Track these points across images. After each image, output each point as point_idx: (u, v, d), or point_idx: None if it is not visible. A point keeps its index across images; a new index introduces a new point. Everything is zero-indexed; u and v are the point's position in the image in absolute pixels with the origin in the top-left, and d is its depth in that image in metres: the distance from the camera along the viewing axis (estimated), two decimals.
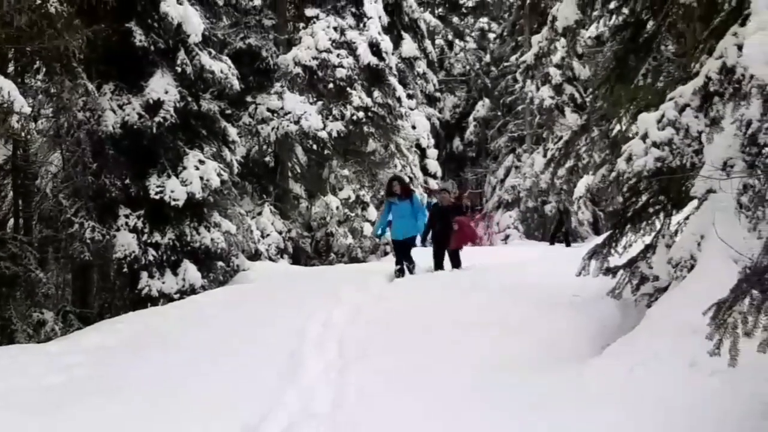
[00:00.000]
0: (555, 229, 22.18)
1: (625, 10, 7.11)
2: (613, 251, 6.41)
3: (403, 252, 10.73)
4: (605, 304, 6.87)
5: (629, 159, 4.87)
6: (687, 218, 5.57)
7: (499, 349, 5.93)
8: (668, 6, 6.37)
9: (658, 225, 5.98)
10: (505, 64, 29.75)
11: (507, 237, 25.31)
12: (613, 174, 5.10)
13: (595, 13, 7.38)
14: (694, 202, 5.36)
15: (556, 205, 22.54)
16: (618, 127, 7.43)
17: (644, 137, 4.76)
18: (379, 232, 11.36)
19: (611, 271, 6.39)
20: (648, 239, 6.17)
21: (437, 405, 4.73)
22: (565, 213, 21.81)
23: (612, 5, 7.29)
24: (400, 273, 10.53)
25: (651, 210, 6.00)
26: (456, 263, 11.07)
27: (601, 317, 6.74)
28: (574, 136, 8.33)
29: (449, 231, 10.74)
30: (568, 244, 20.98)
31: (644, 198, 5.98)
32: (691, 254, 4.96)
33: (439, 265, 11.04)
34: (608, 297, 6.66)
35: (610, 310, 6.80)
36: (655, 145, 4.65)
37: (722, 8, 5.72)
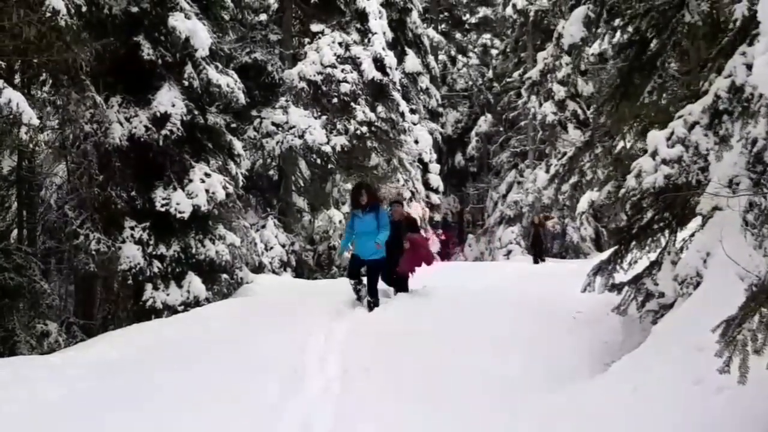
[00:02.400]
0: (533, 245, 21.50)
1: (630, 28, 7.16)
2: (618, 267, 6.42)
3: (368, 276, 8.76)
4: (608, 320, 6.88)
5: (638, 176, 4.90)
6: (692, 235, 5.59)
7: (502, 365, 5.93)
8: (673, 24, 6.43)
9: (663, 242, 6.00)
10: (508, 79, 29.95)
11: (509, 252, 25.29)
12: (622, 191, 5.12)
13: (600, 31, 7.42)
14: (698, 219, 5.38)
15: (531, 218, 22.02)
16: (622, 144, 7.46)
17: (654, 154, 4.79)
18: (344, 252, 9.04)
19: (616, 288, 6.40)
20: (653, 256, 6.18)
21: (438, 421, 4.73)
22: (541, 226, 21.23)
23: (617, 23, 7.34)
24: (357, 286, 8.85)
25: (656, 227, 6.02)
26: (401, 287, 9.42)
27: (605, 334, 6.75)
28: (578, 152, 8.35)
29: (399, 250, 9.12)
30: (540, 260, 20.45)
31: (649, 214, 6.00)
32: (697, 271, 4.98)
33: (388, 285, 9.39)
34: (611, 314, 6.67)
35: (613, 326, 6.81)
36: (665, 162, 4.68)
37: (727, 27, 5.77)
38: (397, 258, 9.13)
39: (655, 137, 4.83)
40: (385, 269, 9.03)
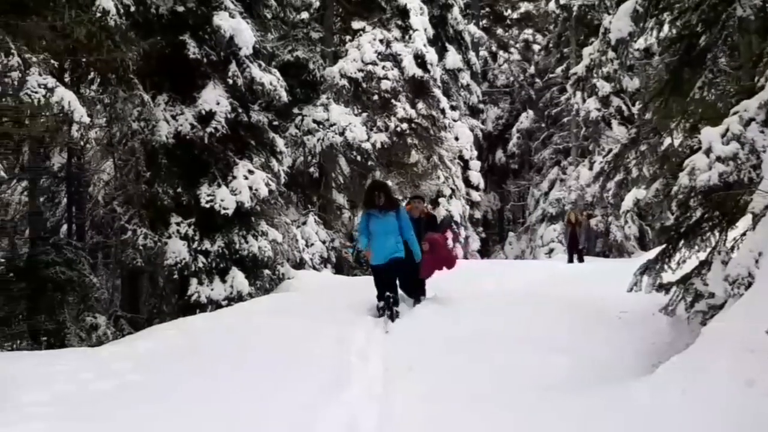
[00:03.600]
0: (570, 244, 19.69)
1: (679, 23, 7.00)
2: (666, 267, 6.29)
3: (400, 282, 8.22)
4: (655, 321, 6.76)
5: (691, 173, 4.79)
6: (744, 234, 5.45)
7: (547, 366, 5.85)
8: (724, 19, 6.27)
9: (713, 241, 5.85)
10: (550, 75, 29.61)
11: (551, 251, 24.99)
12: (674, 189, 5.01)
13: (648, 25, 7.27)
14: (748, 218, 5.24)
15: (567, 216, 20.41)
16: (669, 141, 7.31)
17: (708, 151, 4.68)
18: (362, 246, 8.32)
19: (664, 288, 6.27)
20: (702, 255, 6.04)
21: (482, 421, 4.69)
22: (578, 225, 19.46)
23: (665, 17, 7.19)
24: (385, 310, 7.92)
25: (706, 225, 5.88)
26: (419, 291, 8.70)
27: (651, 335, 6.63)
28: (623, 149, 8.22)
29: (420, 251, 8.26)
30: (581, 259, 19.00)
31: (699, 213, 5.87)
32: (748, 271, 4.85)
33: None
34: (658, 314, 6.55)
35: (660, 327, 6.69)
36: (719, 159, 4.56)
37: None
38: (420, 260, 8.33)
39: (709, 134, 4.71)
40: (411, 271, 8.27)
